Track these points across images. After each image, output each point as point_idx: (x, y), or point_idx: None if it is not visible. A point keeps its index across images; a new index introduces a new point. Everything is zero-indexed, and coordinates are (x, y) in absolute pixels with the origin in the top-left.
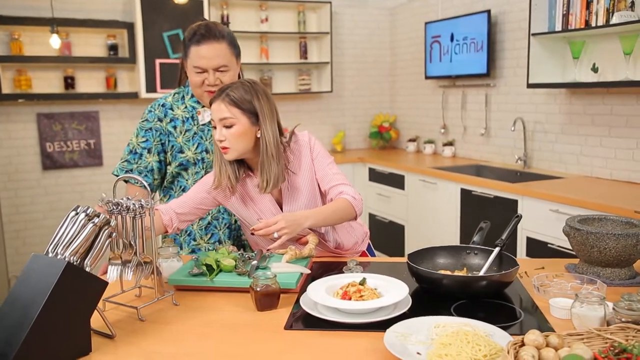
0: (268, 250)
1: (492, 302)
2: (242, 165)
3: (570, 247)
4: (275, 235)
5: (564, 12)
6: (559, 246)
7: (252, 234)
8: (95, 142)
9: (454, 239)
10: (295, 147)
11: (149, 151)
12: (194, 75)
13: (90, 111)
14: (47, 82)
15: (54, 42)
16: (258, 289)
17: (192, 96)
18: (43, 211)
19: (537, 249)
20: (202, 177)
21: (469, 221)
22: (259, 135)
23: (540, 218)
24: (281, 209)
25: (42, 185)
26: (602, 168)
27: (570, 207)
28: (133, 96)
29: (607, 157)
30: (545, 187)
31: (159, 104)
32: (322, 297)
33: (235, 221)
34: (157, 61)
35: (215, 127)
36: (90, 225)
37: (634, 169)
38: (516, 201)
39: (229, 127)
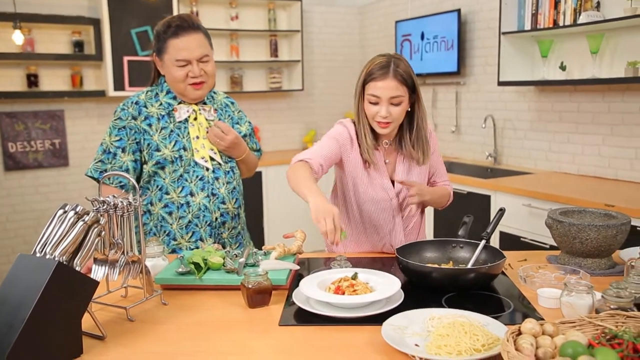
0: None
1: (480, 294)
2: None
3: (543, 241)
4: (413, 196)
5: (533, 12)
6: (531, 239)
7: (401, 182)
8: (61, 142)
9: (428, 234)
10: None
11: (123, 150)
12: (176, 70)
13: (54, 110)
14: (9, 79)
15: (17, 38)
16: (250, 286)
17: (167, 93)
18: (5, 213)
19: (511, 242)
20: (180, 175)
21: (443, 216)
22: (408, 109)
23: (513, 212)
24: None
25: (4, 187)
26: (569, 164)
27: (542, 202)
28: (100, 94)
29: (575, 153)
30: (516, 182)
31: (131, 102)
32: (315, 292)
33: (217, 218)
34: (125, 58)
35: (377, 103)
36: (80, 223)
37: (600, 164)
38: (489, 196)
39: (396, 104)
